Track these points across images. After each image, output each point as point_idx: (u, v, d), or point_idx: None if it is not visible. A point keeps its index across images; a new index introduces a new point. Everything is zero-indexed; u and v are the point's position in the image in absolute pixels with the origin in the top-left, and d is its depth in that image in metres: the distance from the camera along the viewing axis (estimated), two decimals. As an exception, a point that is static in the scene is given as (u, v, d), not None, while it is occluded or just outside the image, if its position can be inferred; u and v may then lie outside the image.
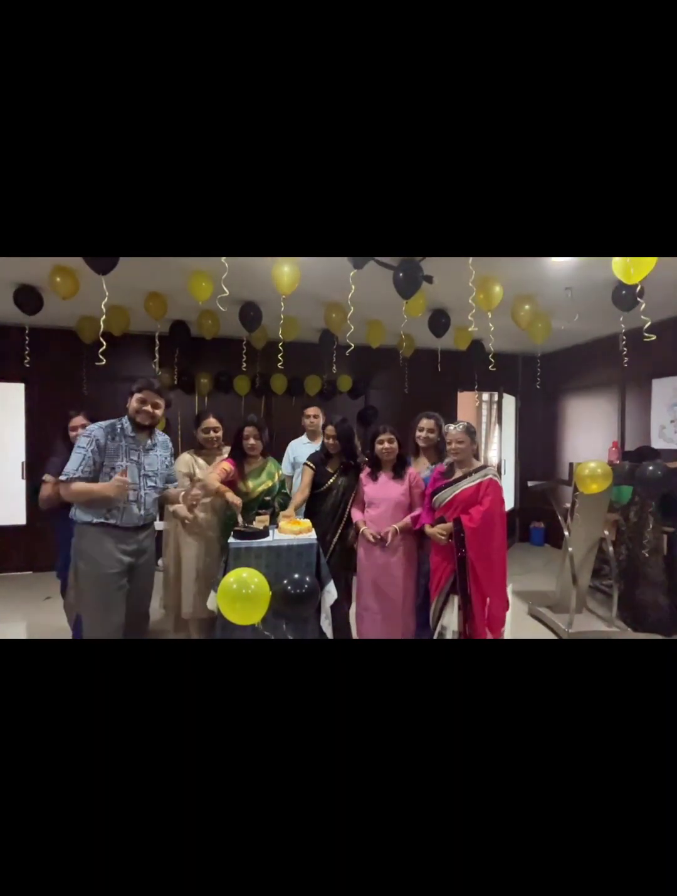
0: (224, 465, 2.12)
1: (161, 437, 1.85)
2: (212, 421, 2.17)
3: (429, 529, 1.91)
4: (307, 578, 1.64)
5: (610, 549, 2.76)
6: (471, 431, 1.91)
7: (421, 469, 2.14)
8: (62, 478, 1.61)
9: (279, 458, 2.54)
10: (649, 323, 1.95)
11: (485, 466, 1.94)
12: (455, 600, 1.85)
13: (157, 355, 3.15)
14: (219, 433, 2.18)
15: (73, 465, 1.61)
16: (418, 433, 2.12)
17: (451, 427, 1.93)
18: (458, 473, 1.93)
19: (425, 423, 2.11)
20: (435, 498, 1.93)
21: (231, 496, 1.98)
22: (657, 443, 3.41)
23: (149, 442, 1.76)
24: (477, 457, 1.98)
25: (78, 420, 2.09)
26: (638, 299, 2.36)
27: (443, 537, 1.83)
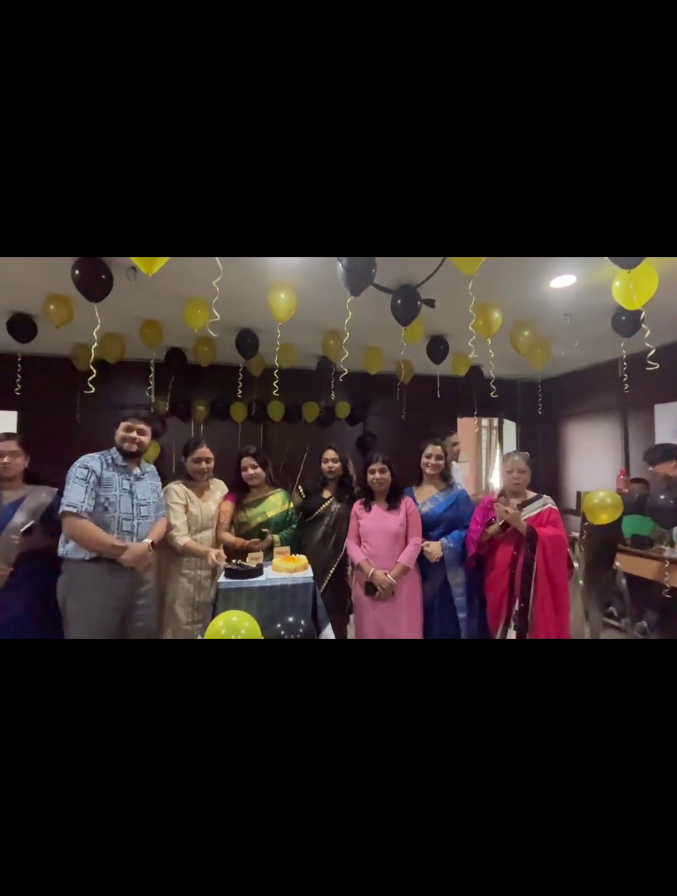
0: (224, 507, 2.05)
1: (148, 467, 1.82)
2: (204, 451, 2.03)
3: (500, 509, 1.80)
4: (302, 622, 1.51)
5: (623, 582, 2.64)
6: (531, 462, 1.89)
7: (426, 497, 2.04)
8: (69, 509, 1.53)
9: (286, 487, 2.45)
10: (653, 350, 1.91)
11: (540, 495, 1.89)
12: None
13: (151, 382, 3.10)
14: (211, 464, 2.05)
15: (78, 496, 1.54)
16: (425, 460, 2.03)
17: (514, 456, 1.90)
18: (515, 503, 1.86)
19: (432, 449, 2.02)
20: (489, 528, 1.86)
21: (213, 557, 1.80)
22: (663, 469, 3.33)
23: (138, 471, 1.74)
24: (533, 487, 1.93)
25: (4, 445, 1.68)
26: (642, 325, 2.34)
27: (510, 511, 1.77)
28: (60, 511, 1.54)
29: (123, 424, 1.71)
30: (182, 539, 1.86)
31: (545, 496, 1.90)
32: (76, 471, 1.59)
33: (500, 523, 1.83)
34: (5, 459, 1.66)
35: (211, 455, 2.05)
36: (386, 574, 1.86)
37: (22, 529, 1.62)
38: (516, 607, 1.78)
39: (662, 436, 3.44)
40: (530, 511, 1.85)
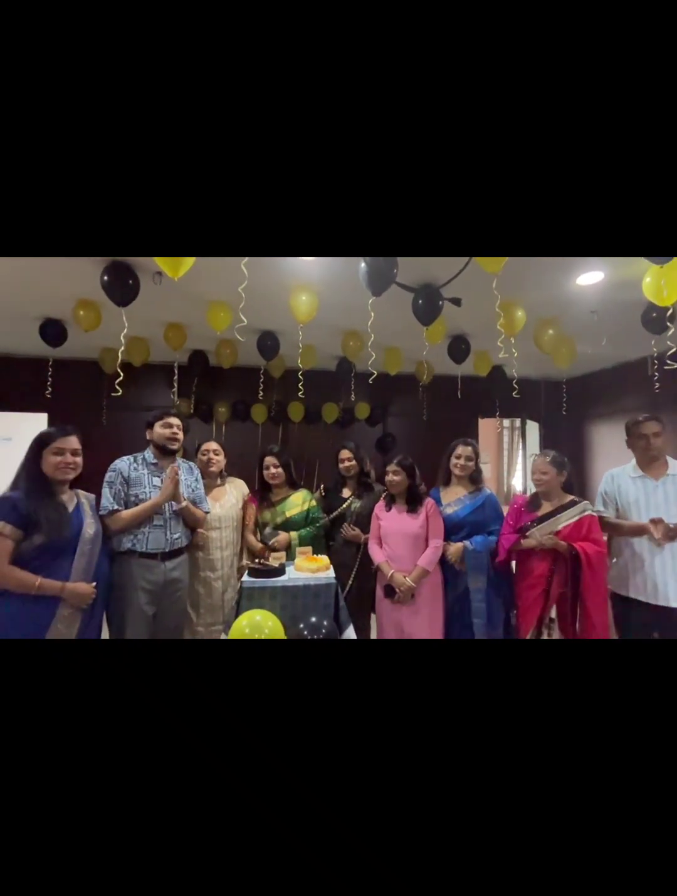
0: (249, 508, 2.10)
1: (182, 463, 1.84)
2: (211, 444, 2.08)
3: (529, 540, 1.73)
4: (325, 622, 1.52)
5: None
6: (558, 463, 1.78)
7: (452, 498, 2.01)
8: (102, 512, 1.62)
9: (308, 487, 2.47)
10: (674, 349, 1.83)
11: (578, 500, 1.79)
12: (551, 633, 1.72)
13: (175, 384, 3.16)
14: (219, 456, 2.08)
15: (107, 500, 1.64)
16: (455, 461, 1.99)
17: (538, 456, 1.84)
18: (548, 507, 1.79)
19: (462, 450, 1.98)
20: (524, 542, 1.78)
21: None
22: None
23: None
24: (569, 490, 1.82)
25: (70, 442, 1.54)
26: (668, 323, 2.25)
27: (552, 542, 1.68)
28: (99, 515, 1.61)
29: (162, 422, 1.74)
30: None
31: (584, 502, 1.78)
32: (107, 475, 1.70)
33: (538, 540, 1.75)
34: (71, 459, 1.47)
35: (219, 448, 2.08)
36: (404, 576, 1.85)
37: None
38: (548, 617, 1.73)
39: (695, 436, 3.31)
40: (567, 518, 1.75)
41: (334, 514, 2.16)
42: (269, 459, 2.09)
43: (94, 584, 1.49)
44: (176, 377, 3.13)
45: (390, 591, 1.87)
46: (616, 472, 1.92)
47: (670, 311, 2.29)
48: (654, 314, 2.35)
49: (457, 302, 2.03)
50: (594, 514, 1.78)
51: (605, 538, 1.86)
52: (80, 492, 1.59)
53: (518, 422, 4.77)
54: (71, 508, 1.51)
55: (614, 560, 1.87)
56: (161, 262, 1.69)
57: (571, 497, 1.81)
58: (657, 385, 2.71)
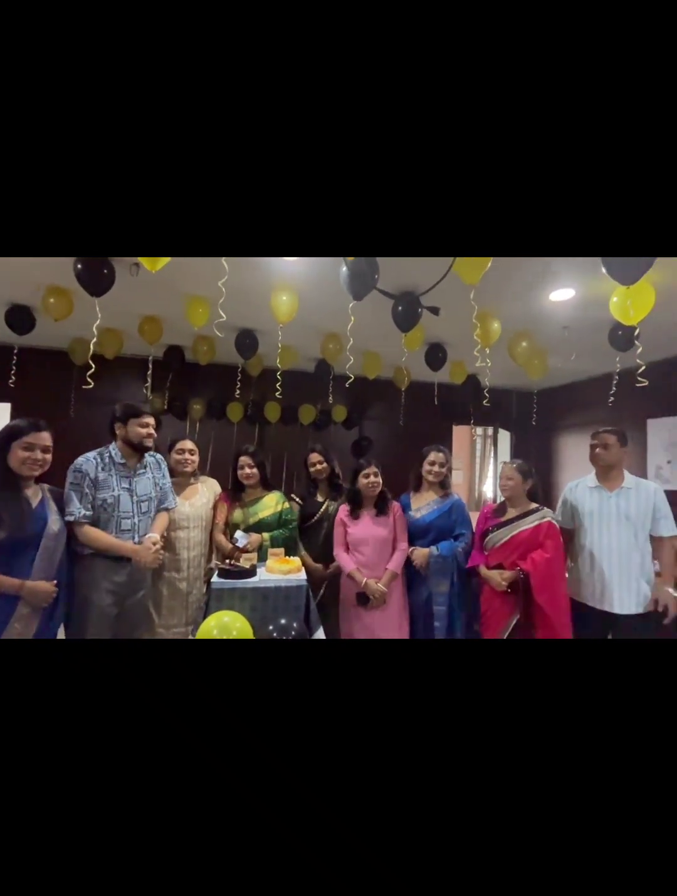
0: (220, 507, 2.05)
1: (151, 458, 1.78)
2: (186, 443, 2.03)
3: (486, 573, 1.82)
4: (295, 624, 1.51)
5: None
6: (523, 470, 1.86)
7: (422, 503, 2.04)
8: (69, 519, 1.52)
9: (281, 488, 2.46)
10: (643, 367, 1.93)
11: (540, 507, 1.87)
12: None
13: (149, 379, 3.08)
14: (195, 456, 2.04)
15: (75, 505, 1.54)
16: (427, 467, 2.01)
17: (505, 463, 1.90)
18: (512, 513, 1.86)
19: (434, 456, 2.01)
20: (487, 539, 1.86)
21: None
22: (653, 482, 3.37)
23: (139, 466, 1.70)
24: (533, 497, 1.90)
25: (41, 438, 1.49)
26: (636, 342, 2.37)
27: (504, 585, 1.76)
28: (64, 519, 1.52)
29: (140, 420, 1.65)
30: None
31: (545, 509, 1.87)
32: (71, 476, 1.59)
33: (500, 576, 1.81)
34: (40, 456, 1.43)
35: (194, 448, 2.04)
36: (377, 583, 1.86)
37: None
38: (514, 621, 1.78)
39: (654, 449, 3.49)
40: (527, 523, 1.83)
41: (314, 518, 2.15)
42: (244, 459, 2.06)
43: (55, 582, 1.43)
44: (150, 372, 3.04)
45: (363, 597, 1.88)
46: (576, 483, 2.00)
47: (636, 331, 2.41)
48: (620, 332, 2.47)
49: (435, 311, 2.07)
50: (554, 521, 1.84)
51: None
52: (46, 486, 1.53)
53: (491, 430, 4.90)
54: (35, 504, 1.45)
55: (571, 565, 1.94)
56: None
57: (534, 504, 1.88)
58: (611, 400, 2.87)
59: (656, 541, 1.82)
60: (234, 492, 2.11)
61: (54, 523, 1.47)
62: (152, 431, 1.69)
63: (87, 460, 1.61)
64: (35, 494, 1.47)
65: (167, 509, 1.80)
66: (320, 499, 2.20)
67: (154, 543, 1.62)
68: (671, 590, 1.79)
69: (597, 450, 1.89)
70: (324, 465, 2.19)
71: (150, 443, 1.69)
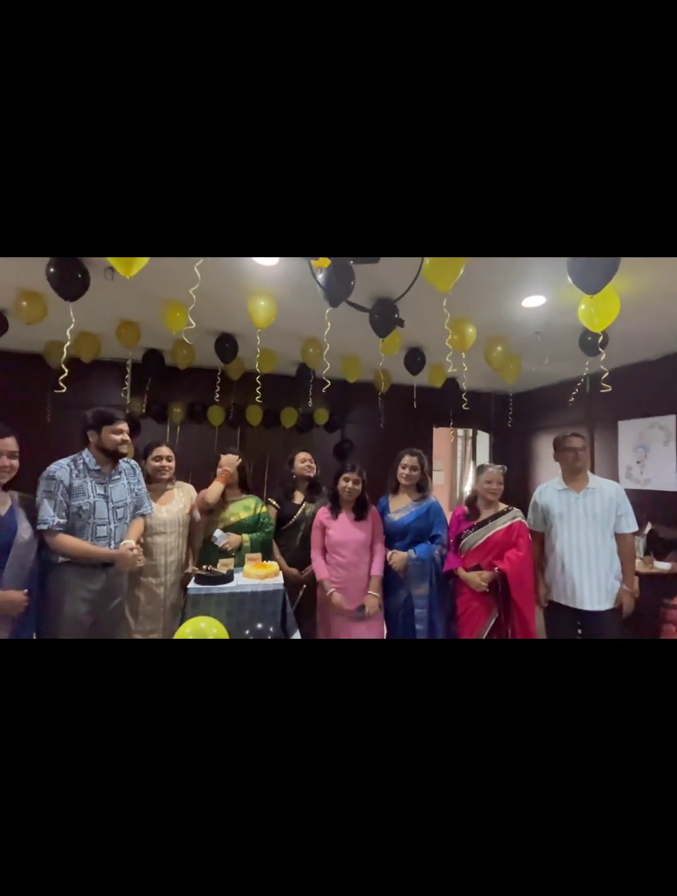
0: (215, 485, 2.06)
1: (126, 464, 1.76)
2: (164, 449, 2.00)
3: (465, 575, 1.87)
4: (271, 629, 1.52)
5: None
6: (504, 475, 1.93)
7: (399, 506, 2.07)
8: (42, 527, 1.49)
9: (259, 493, 2.45)
10: (607, 373, 2.00)
11: (510, 508, 1.94)
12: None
13: (127, 383, 3.05)
14: (172, 463, 2.02)
15: (48, 513, 1.50)
16: (401, 470, 2.04)
17: (491, 468, 1.94)
18: (484, 515, 1.91)
19: (408, 460, 2.04)
20: (463, 542, 1.91)
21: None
22: (624, 483, 3.48)
23: (114, 472, 1.68)
24: (503, 499, 1.97)
25: (6, 443, 1.46)
26: (600, 349, 2.46)
27: (484, 586, 1.82)
28: (36, 528, 1.50)
29: (113, 427, 1.61)
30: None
31: (515, 510, 1.94)
32: (43, 483, 1.55)
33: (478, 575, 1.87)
34: (6, 462, 1.42)
35: (171, 455, 2.03)
36: (370, 595, 1.90)
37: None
38: (493, 620, 1.83)
39: (625, 451, 3.61)
40: (501, 523, 1.89)
41: (291, 520, 2.17)
42: (227, 459, 2.10)
43: (27, 591, 1.41)
44: (128, 376, 3.01)
45: (359, 609, 1.90)
46: (545, 486, 2.07)
47: (602, 337, 2.50)
48: (588, 338, 2.56)
49: (400, 323, 2.10)
50: (524, 521, 1.92)
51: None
52: (17, 493, 1.50)
53: (470, 432, 4.98)
54: (4, 511, 1.43)
55: (544, 565, 2.00)
56: (113, 260, 1.65)
57: (503, 505, 1.95)
58: (571, 401, 2.99)
59: (618, 537, 1.90)
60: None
61: (25, 531, 1.44)
62: (127, 437, 1.66)
63: (61, 467, 1.58)
64: (3, 502, 1.45)
65: (143, 515, 1.79)
66: (298, 501, 2.22)
67: (131, 549, 1.61)
68: (626, 587, 1.87)
69: (570, 454, 1.95)
70: (313, 465, 2.23)
71: (125, 449, 1.66)
